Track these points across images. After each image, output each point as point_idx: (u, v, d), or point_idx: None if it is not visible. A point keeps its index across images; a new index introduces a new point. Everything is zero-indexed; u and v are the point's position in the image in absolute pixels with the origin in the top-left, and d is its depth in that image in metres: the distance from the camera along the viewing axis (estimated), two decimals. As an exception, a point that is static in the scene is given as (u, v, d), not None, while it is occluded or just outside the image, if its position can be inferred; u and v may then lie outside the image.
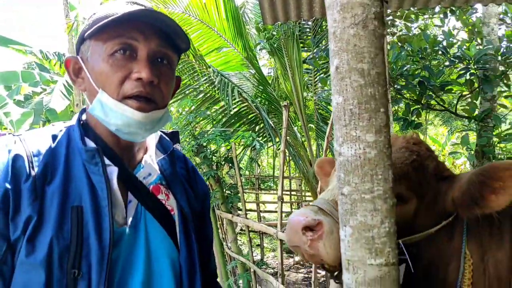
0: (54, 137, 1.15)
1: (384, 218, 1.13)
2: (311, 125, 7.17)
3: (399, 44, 5.35)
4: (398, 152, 1.49)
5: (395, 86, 4.92)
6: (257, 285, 5.61)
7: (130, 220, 1.17)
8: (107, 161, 1.16)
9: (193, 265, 1.25)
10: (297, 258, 8.86)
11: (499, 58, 4.70)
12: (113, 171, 1.16)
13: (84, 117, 1.25)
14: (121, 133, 1.17)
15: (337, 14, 1.16)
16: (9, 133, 1.15)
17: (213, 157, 5.60)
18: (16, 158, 1.05)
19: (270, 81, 7.67)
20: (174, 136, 1.45)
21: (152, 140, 1.38)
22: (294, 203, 10.65)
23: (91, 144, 1.18)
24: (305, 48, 6.80)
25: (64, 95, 10.48)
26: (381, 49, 1.16)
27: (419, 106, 5.02)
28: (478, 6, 4.33)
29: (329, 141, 3.54)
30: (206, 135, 5.40)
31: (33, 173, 1.05)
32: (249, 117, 6.87)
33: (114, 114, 1.12)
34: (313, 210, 1.33)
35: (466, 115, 5.01)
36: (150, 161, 1.30)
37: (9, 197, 1.01)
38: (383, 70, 1.16)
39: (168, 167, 1.32)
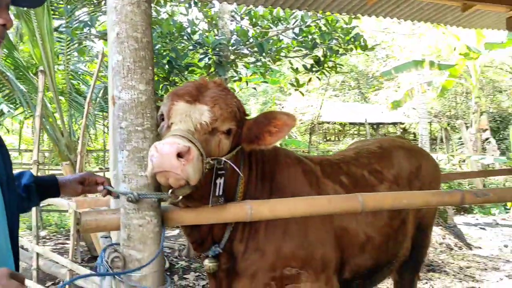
0: None
1: (150, 143, 1.63)
2: (61, 97, 7.01)
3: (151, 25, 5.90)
4: (221, 94, 1.81)
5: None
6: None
7: None
8: None
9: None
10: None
11: (230, 48, 5.82)
12: None
13: None
14: None
15: (117, -7, 1.58)
16: None
17: None
18: None
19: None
20: None
21: None
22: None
23: None
24: (57, 17, 6.57)
25: None
26: (149, 24, 1.65)
27: (167, 83, 5.73)
28: (215, 2, 5.25)
29: (90, 106, 3.77)
30: None
31: None
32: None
33: None
34: (179, 138, 1.52)
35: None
36: None
37: None
38: (151, 39, 1.65)
39: None
